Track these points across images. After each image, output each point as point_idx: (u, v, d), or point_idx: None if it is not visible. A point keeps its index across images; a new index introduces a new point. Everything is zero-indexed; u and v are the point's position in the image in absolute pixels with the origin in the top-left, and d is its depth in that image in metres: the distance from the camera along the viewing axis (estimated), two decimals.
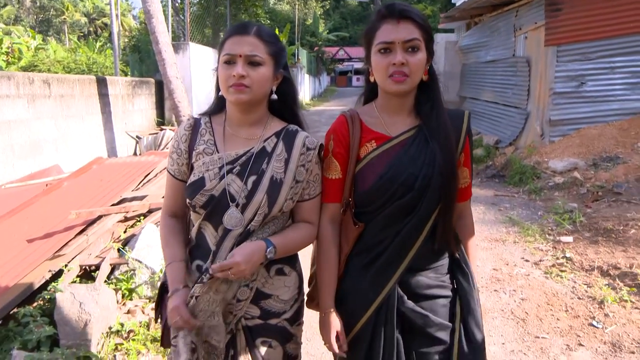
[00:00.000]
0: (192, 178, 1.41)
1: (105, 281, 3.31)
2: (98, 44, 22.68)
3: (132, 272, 3.43)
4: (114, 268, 3.51)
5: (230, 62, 1.37)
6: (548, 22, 7.41)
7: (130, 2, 41.39)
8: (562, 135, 7.48)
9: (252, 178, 1.39)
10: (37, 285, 3.09)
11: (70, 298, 2.89)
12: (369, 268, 1.44)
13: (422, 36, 1.36)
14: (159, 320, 1.56)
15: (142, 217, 4.26)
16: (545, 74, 7.60)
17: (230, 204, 1.37)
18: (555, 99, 7.48)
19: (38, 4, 38.73)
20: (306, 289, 1.62)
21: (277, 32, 20.09)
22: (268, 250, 1.36)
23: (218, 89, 1.46)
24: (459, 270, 1.50)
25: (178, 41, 10.18)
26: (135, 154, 8.17)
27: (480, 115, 10.11)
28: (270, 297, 1.45)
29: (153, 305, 2.87)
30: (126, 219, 4.23)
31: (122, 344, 2.90)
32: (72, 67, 12.88)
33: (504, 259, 4.25)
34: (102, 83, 7.54)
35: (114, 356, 2.83)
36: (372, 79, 1.46)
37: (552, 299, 3.48)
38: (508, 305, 3.43)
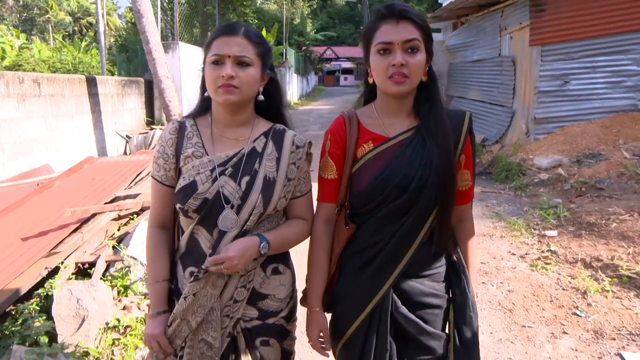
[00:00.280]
0: (182, 182, 1.38)
1: (101, 278, 3.34)
2: (83, 44, 22.47)
3: (127, 269, 3.46)
4: (109, 265, 3.54)
5: (218, 62, 1.35)
6: (532, 22, 7.57)
7: (115, 1, 41.02)
8: (547, 133, 7.66)
9: (246, 178, 1.38)
10: (34, 282, 3.11)
11: (68, 294, 2.92)
12: (364, 270, 1.43)
13: (421, 37, 1.34)
14: None
15: (135, 215, 4.29)
16: (530, 73, 7.77)
17: (225, 205, 1.36)
18: (540, 97, 7.65)
19: (21, 3, 38.17)
20: (302, 287, 1.62)
21: (264, 31, 20.14)
22: (262, 245, 1.36)
23: (203, 90, 1.44)
24: (456, 278, 1.47)
25: (166, 40, 10.17)
26: (125, 153, 8.16)
27: None
28: (267, 297, 1.45)
29: (148, 302, 2.92)
30: (119, 217, 4.26)
31: (120, 339, 2.94)
32: (57, 66, 12.76)
33: (491, 253, 4.38)
34: (92, 83, 7.53)
35: (112, 351, 2.87)
36: (370, 81, 1.44)
37: (537, 290, 3.60)
38: (495, 297, 3.55)
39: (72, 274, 3.42)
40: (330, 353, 1.53)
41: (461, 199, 1.46)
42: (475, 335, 1.46)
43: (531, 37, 7.60)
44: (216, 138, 1.44)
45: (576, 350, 2.87)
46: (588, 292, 3.48)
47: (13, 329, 2.78)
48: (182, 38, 10.39)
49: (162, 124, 9.15)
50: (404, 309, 1.41)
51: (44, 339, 2.69)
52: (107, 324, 2.99)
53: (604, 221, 4.59)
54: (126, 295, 3.39)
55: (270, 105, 1.50)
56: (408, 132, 1.41)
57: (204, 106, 1.48)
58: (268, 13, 29.85)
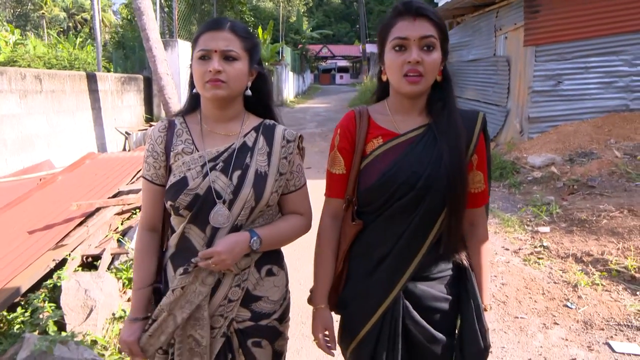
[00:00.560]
0: (173, 179, 1.37)
1: (106, 270, 3.43)
2: (78, 40, 22.34)
3: (131, 261, 3.54)
4: (113, 258, 3.63)
5: (205, 57, 1.34)
6: (527, 23, 7.70)
7: None
8: (540, 132, 7.79)
9: (237, 173, 1.37)
10: (42, 274, 3.20)
11: (76, 285, 3.00)
12: (373, 273, 1.40)
13: (438, 35, 1.32)
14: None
15: (137, 210, 4.37)
16: (524, 73, 7.89)
17: (217, 201, 1.34)
18: (534, 97, 7.78)
19: None
20: (308, 286, 1.59)
21: (260, 29, 20.10)
22: (252, 240, 1.34)
23: (192, 86, 1.43)
24: (463, 285, 1.42)
25: (164, 38, 10.23)
26: (124, 149, 8.23)
27: None
28: (261, 299, 1.44)
29: None
30: (122, 212, 4.35)
31: None
32: (53, 63, 12.65)
33: None
34: (92, 79, 7.58)
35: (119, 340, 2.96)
36: (384, 78, 1.42)
37: (530, 284, 3.73)
38: (489, 290, 3.65)
39: (78, 266, 3.51)
40: (335, 352, 1.50)
41: (473, 201, 1.41)
42: (480, 353, 1.40)
43: (525, 37, 7.73)
44: (206, 134, 1.43)
45: (566, 339, 2.99)
46: (579, 285, 3.60)
47: (23, 319, 2.87)
48: (180, 36, 10.45)
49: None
50: (415, 314, 1.38)
51: (53, 328, 2.77)
52: (113, 314, 3.07)
53: (594, 218, 4.71)
54: (131, 287, 3.48)
55: (259, 100, 1.49)
56: (419, 129, 1.39)
57: (193, 103, 1.47)
58: (264, 11, 29.88)
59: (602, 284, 3.61)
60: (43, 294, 3.05)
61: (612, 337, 2.99)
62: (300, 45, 33.54)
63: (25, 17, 38.40)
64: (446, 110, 1.36)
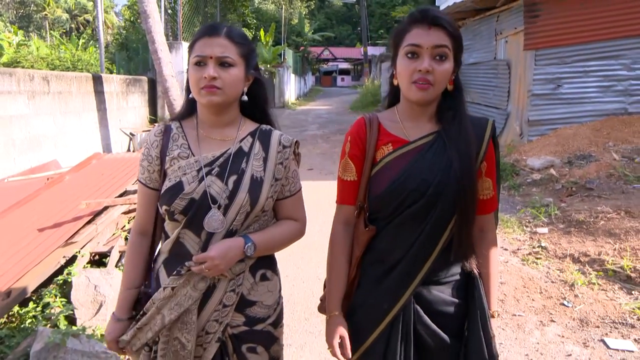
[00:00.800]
0: (168, 184, 1.37)
1: (115, 267, 3.52)
2: (81, 41, 22.44)
3: None
4: (121, 255, 3.72)
5: (200, 63, 1.34)
6: (527, 27, 7.79)
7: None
8: (540, 135, 7.87)
9: (233, 178, 1.37)
10: (53, 270, 3.29)
11: (86, 281, 3.09)
12: (382, 281, 1.40)
13: (451, 45, 1.32)
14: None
15: None
16: (524, 77, 7.99)
17: (212, 206, 1.34)
18: (534, 100, 7.87)
19: None
20: (319, 293, 1.59)
21: (262, 32, 20.19)
22: (247, 246, 1.35)
23: (188, 91, 1.43)
24: (471, 292, 1.42)
25: (168, 40, 10.34)
26: (129, 150, 8.33)
27: None
28: (255, 304, 1.44)
29: None
30: (129, 211, 4.44)
31: None
32: (56, 64, 12.70)
33: None
34: (97, 81, 7.68)
35: None
36: (395, 82, 1.43)
37: (528, 283, 3.81)
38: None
39: (87, 263, 3.60)
40: None
41: (482, 208, 1.42)
42: (493, 347, 1.39)
43: (525, 41, 7.82)
44: (202, 139, 1.43)
45: (563, 336, 3.07)
46: (575, 285, 3.68)
47: (34, 313, 2.96)
48: (184, 38, 10.56)
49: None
50: (426, 319, 1.38)
51: (64, 323, 2.86)
52: None
53: (592, 219, 4.79)
54: None
55: (255, 105, 1.49)
56: (429, 136, 1.39)
57: (190, 108, 1.48)
58: (267, 13, 30.00)
59: (598, 284, 3.68)
60: (54, 290, 3.14)
61: (607, 334, 3.07)
62: (302, 48, 33.70)
63: (28, 18, 38.56)
64: (457, 119, 1.37)
